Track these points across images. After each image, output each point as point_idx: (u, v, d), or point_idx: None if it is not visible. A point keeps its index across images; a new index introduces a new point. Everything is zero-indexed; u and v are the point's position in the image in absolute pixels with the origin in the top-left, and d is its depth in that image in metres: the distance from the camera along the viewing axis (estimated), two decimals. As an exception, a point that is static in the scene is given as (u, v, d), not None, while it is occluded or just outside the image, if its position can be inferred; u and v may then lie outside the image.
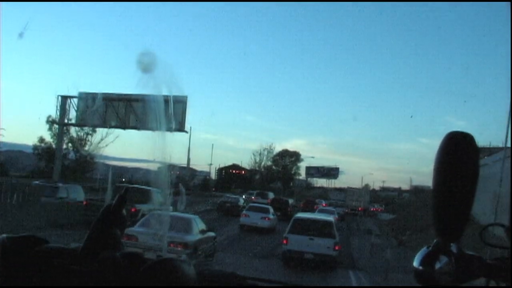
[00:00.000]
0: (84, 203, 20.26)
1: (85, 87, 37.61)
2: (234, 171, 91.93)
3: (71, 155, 55.52)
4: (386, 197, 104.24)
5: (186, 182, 55.82)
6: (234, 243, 21.08)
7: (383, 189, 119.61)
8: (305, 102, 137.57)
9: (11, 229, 14.89)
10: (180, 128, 31.19)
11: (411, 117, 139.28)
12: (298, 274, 15.03)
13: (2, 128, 60.00)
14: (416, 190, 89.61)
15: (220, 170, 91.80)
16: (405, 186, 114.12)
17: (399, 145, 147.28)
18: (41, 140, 55.45)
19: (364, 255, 21.13)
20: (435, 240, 1.04)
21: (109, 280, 1.25)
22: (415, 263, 1.02)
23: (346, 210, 58.82)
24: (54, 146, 49.51)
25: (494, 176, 18.37)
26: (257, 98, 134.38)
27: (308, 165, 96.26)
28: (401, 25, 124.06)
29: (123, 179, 54.92)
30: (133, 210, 17.32)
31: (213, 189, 71.42)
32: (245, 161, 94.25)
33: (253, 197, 47.76)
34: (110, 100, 32.53)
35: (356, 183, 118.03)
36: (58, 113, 35.47)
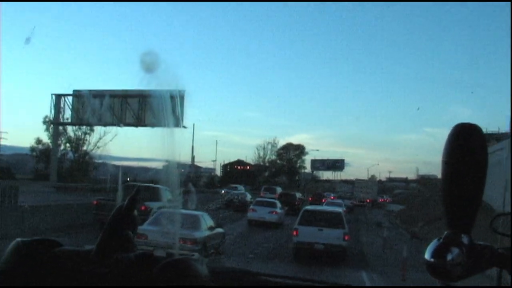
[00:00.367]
0: (95, 202, 20.43)
1: (80, 85, 37.10)
2: (239, 167, 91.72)
3: (70, 155, 53.81)
4: (392, 188, 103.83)
5: (195, 180, 55.31)
6: (242, 239, 21.09)
7: (390, 179, 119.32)
8: (308, 96, 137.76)
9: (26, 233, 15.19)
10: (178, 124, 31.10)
11: (418, 109, 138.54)
12: (308, 273, 14.22)
13: (3, 131, 58.98)
14: (423, 180, 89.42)
15: (224, 166, 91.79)
16: (411, 176, 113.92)
17: (404, 135, 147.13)
18: (38, 141, 53.63)
19: (377, 251, 20.34)
20: (445, 232, 1.05)
21: (123, 282, 1.26)
22: (427, 256, 1.03)
23: (354, 202, 58.82)
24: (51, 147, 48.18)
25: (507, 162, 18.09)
26: (260, 94, 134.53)
27: (313, 158, 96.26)
28: (407, 17, 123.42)
29: (128, 178, 54.61)
30: (142, 208, 17.36)
31: (218, 185, 71.45)
32: (250, 158, 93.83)
33: (261, 193, 47.70)
34: (112, 96, 32.05)
35: (362, 175, 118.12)
36: (53, 112, 34.59)
